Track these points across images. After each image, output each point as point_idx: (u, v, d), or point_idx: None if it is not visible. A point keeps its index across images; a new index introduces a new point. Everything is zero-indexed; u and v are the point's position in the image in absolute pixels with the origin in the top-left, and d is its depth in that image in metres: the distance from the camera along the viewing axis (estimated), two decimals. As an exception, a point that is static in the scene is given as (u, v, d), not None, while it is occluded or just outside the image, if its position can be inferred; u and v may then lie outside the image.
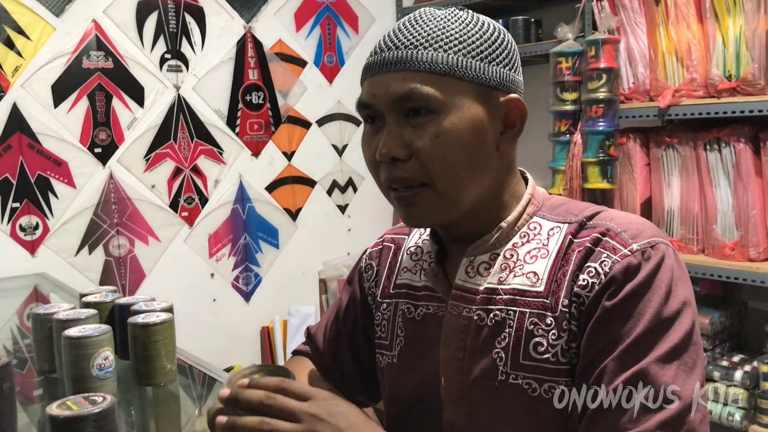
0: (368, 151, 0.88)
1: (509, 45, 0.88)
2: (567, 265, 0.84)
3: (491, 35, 0.86)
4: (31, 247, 2.25)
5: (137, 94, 2.42)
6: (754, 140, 2.02)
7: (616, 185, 2.28)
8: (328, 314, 1.15)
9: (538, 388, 0.82)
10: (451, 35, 0.83)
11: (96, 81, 2.33)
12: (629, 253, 0.80)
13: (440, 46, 0.83)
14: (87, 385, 1.07)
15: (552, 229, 0.88)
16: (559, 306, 0.82)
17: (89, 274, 2.36)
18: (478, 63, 0.83)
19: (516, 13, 2.66)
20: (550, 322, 0.83)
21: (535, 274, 0.86)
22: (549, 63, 2.38)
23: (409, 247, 1.03)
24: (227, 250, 2.68)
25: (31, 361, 1.33)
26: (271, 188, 2.79)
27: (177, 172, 2.53)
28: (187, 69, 2.54)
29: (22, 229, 2.22)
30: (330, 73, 2.93)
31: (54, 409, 0.84)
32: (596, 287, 0.80)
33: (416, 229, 1.05)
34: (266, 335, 2.79)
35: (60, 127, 2.27)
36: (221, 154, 2.64)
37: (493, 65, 0.85)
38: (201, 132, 2.58)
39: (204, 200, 2.61)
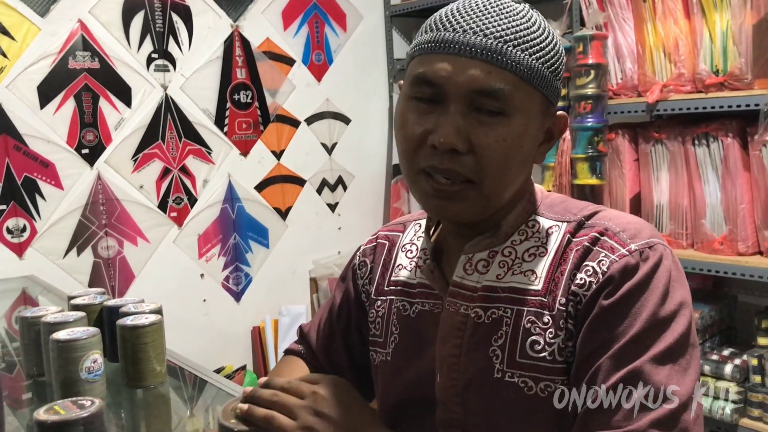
0: (413, 129, 0.82)
1: (564, 58, 0.87)
2: (565, 263, 0.84)
3: (558, 48, 0.85)
4: (19, 250, 2.23)
5: (124, 94, 2.41)
6: (741, 135, 2.03)
7: (605, 181, 2.29)
8: (321, 312, 1.15)
9: (534, 386, 0.82)
10: (533, 39, 0.82)
11: (82, 81, 2.31)
12: (627, 253, 0.80)
13: (525, 49, 0.81)
14: (76, 389, 1.07)
15: (551, 227, 0.88)
16: (557, 305, 0.82)
17: (78, 275, 2.34)
18: (549, 75, 0.83)
19: (504, 9, 2.65)
20: (547, 320, 0.83)
21: (533, 272, 0.86)
22: (537, 59, 2.38)
23: (405, 244, 1.03)
24: (217, 250, 2.67)
25: (20, 364, 1.32)
26: (260, 187, 2.78)
27: (165, 172, 2.51)
28: (175, 68, 2.52)
29: (9, 231, 2.20)
30: (318, 71, 2.91)
31: (41, 414, 0.83)
32: (594, 286, 0.80)
33: (412, 225, 1.05)
34: (257, 335, 2.78)
35: (46, 129, 2.25)
36: (210, 153, 2.62)
37: (556, 80, 0.85)
38: (189, 132, 2.56)
39: (193, 200, 2.59)
